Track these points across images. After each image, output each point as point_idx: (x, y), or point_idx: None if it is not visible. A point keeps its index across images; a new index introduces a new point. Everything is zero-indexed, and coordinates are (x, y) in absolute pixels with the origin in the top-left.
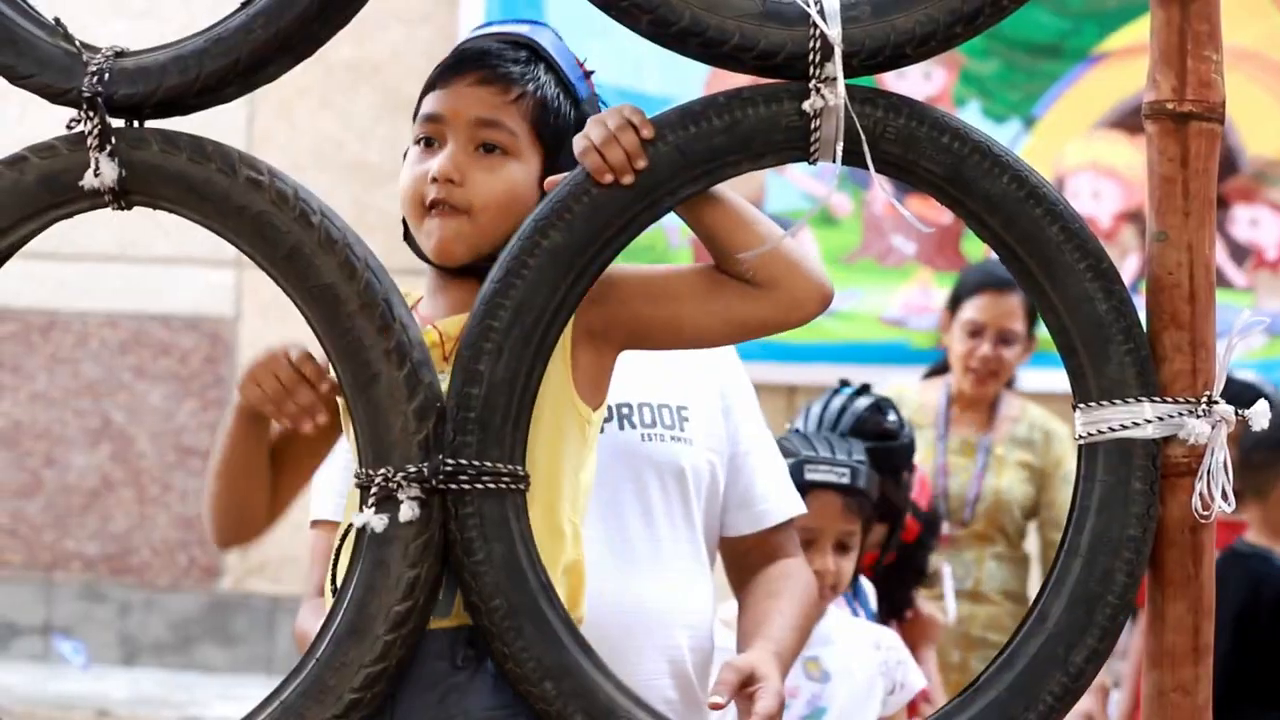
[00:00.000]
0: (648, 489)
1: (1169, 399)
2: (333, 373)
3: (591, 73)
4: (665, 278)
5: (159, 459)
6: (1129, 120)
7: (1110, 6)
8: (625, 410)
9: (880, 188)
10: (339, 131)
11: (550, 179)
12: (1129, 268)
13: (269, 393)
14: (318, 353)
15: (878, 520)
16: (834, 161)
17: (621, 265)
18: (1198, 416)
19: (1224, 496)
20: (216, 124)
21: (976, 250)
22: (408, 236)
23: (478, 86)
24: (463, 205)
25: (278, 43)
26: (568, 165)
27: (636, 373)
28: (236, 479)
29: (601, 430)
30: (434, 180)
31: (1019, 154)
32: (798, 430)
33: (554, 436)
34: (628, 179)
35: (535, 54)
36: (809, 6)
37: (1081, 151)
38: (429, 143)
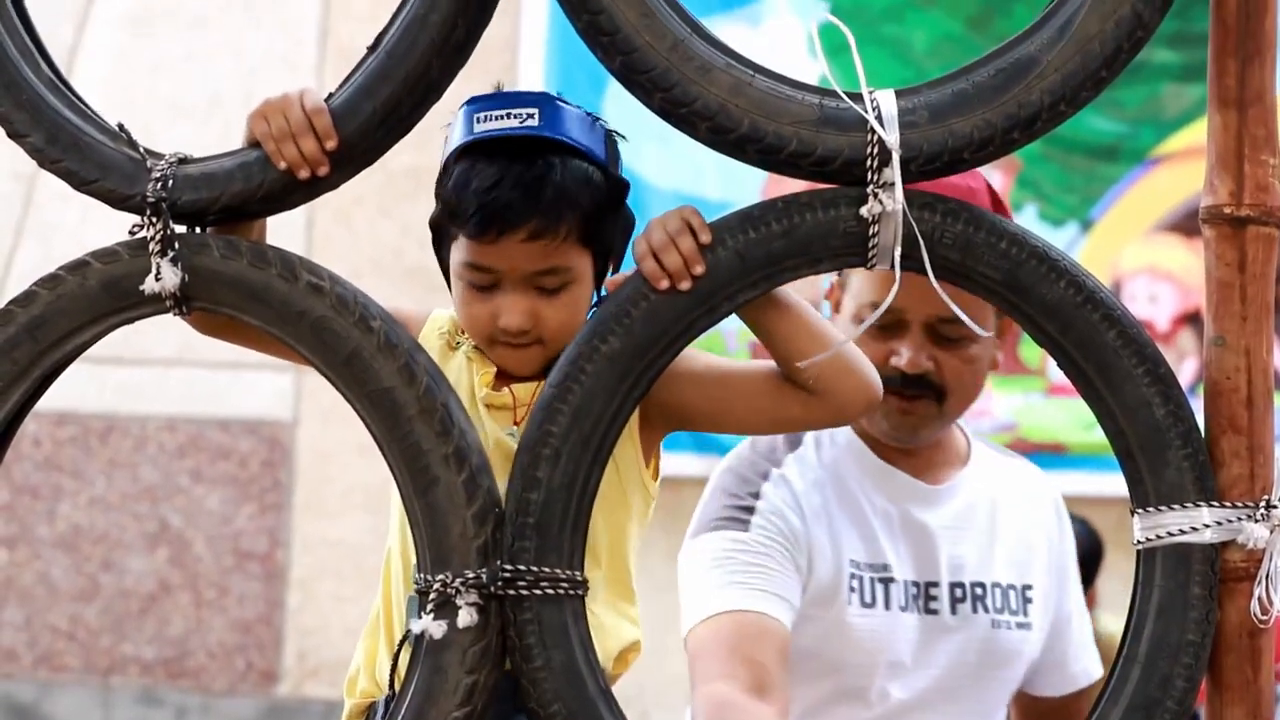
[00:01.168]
0: (989, 682)
1: (1227, 504)
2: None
3: (598, 119)
4: (725, 374)
5: (216, 563)
6: (1186, 223)
7: (1167, 110)
8: (979, 590)
9: (940, 294)
10: (398, 238)
11: (610, 280)
12: (1187, 371)
13: (274, 130)
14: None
15: None
16: (891, 267)
17: (689, 351)
18: (1256, 521)
19: None
20: (276, 230)
21: (1034, 355)
22: (438, 249)
23: (527, 243)
24: (531, 341)
25: (341, 152)
26: (612, 236)
27: (992, 543)
28: None
29: (954, 611)
30: (503, 329)
31: (1076, 257)
32: None
33: (624, 515)
34: (685, 285)
35: (551, 147)
36: (867, 112)
37: (1139, 255)
38: (483, 287)
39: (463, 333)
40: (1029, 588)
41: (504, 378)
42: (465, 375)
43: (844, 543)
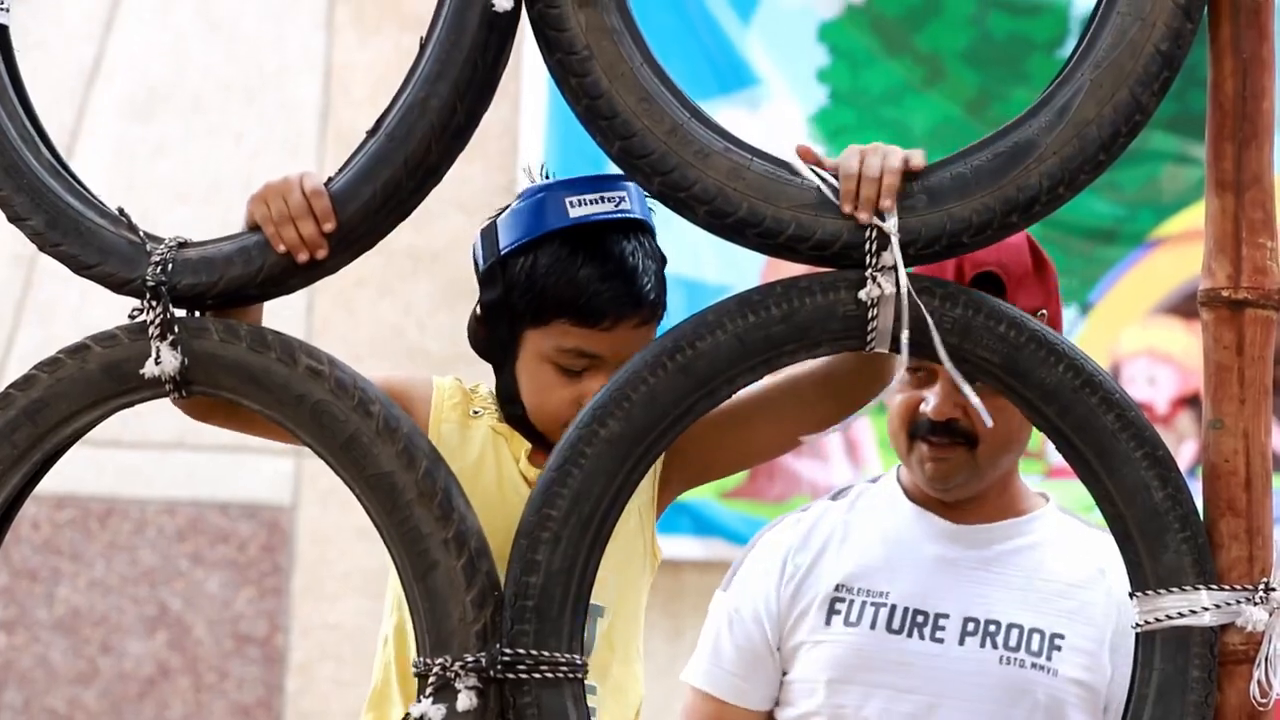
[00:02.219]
0: (985, 713)
1: (1226, 587)
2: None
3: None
4: (740, 407)
5: (216, 647)
6: (1185, 306)
7: (1166, 193)
8: (992, 628)
9: (952, 374)
10: (398, 319)
11: None
12: (1187, 453)
13: (274, 213)
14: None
15: None
16: (889, 350)
17: None
18: (1255, 604)
19: None
20: (277, 314)
21: (1034, 438)
22: (485, 355)
23: (639, 329)
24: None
25: (340, 235)
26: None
27: (1025, 589)
28: None
29: (961, 643)
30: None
31: (1076, 340)
32: None
33: (636, 576)
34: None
35: (634, 227)
36: None
37: (1138, 337)
38: (577, 369)
39: (480, 404)
40: (1059, 636)
41: (540, 452)
42: (492, 450)
43: (839, 568)
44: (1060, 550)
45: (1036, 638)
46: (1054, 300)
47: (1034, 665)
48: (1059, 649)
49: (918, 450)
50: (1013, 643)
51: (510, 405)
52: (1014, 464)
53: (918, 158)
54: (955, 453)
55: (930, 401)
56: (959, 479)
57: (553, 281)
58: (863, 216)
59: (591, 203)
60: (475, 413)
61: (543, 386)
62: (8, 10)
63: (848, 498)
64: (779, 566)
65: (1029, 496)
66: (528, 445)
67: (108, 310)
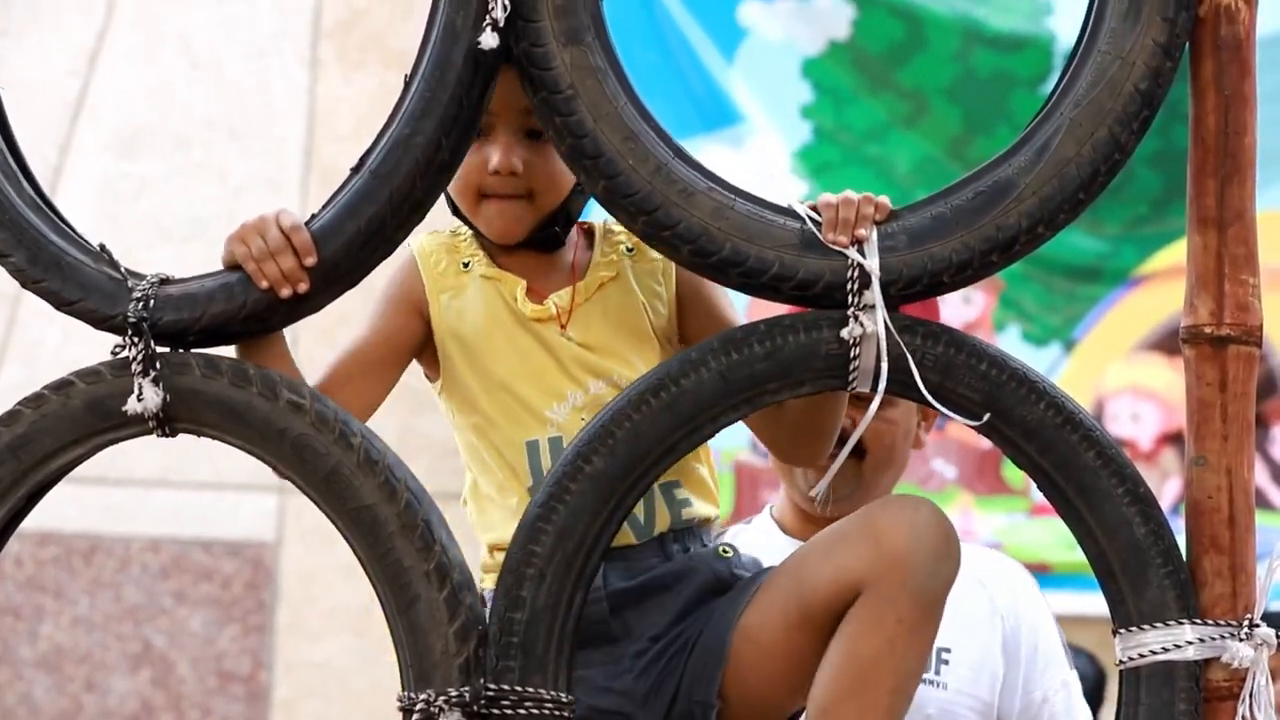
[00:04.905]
0: None
1: (1209, 621)
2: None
3: None
4: None
5: (199, 684)
6: (1168, 342)
7: (1149, 228)
8: None
9: (934, 404)
10: None
11: None
12: (1171, 490)
13: (253, 251)
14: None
15: None
16: (870, 389)
17: None
18: (1240, 640)
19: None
20: None
21: (1017, 476)
22: (455, 211)
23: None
24: (522, 192)
25: (324, 271)
26: None
27: None
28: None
29: None
30: (494, 172)
31: (1059, 377)
32: None
33: None
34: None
35: None
36: None
37: (1121, 374)
38: (478, 132)
39: (466, 252)
40: (945, 650)
41: (534, 291)
42: (488, 297)
43: None
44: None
45: None
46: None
47: (924, 681)
48: (946, 663)
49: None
50: None
51: (460, 216)
52: (894, 482)
53: (885, 200)
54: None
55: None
56: (844, 491)
57: None
58: (843, 239)
59: None
60: (465, 265)
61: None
62: None
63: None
64: None
65: None
66: (521, 281)
67: (91, 347)
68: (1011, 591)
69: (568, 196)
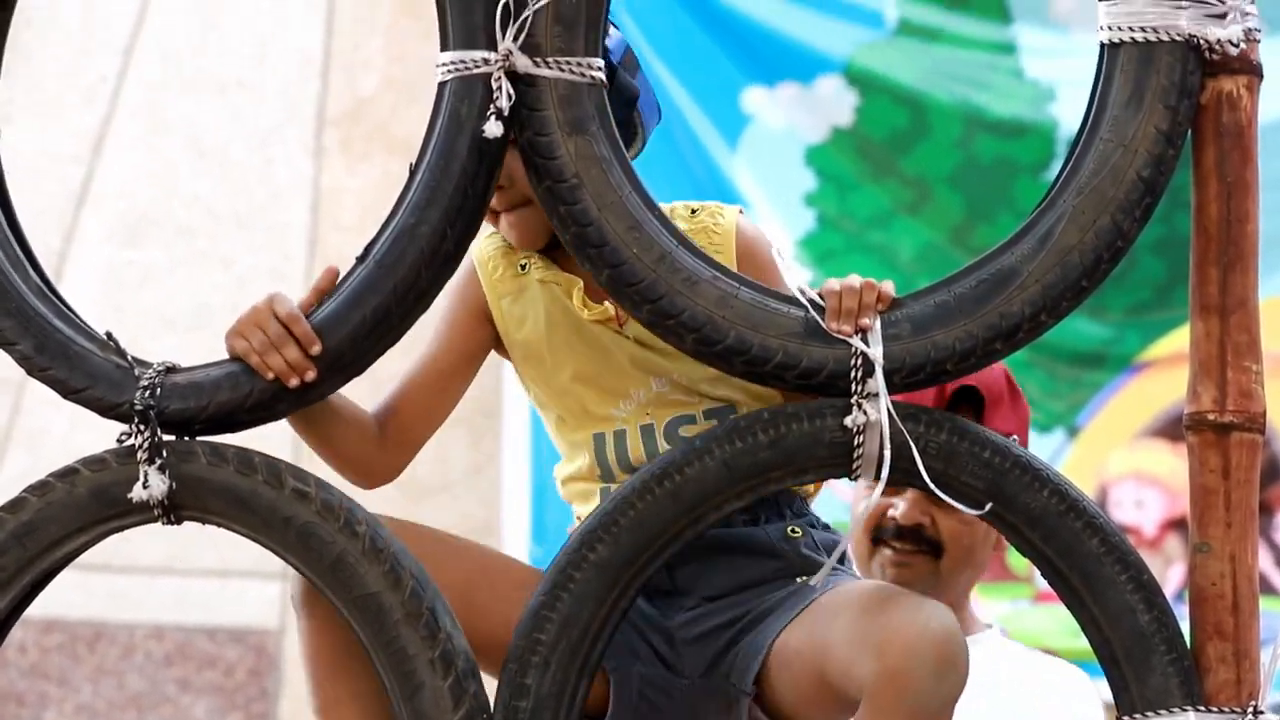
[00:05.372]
0: None
1: (1214, 709)
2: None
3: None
4: None
5: None
6: (1172, 429)
7: (1152, 314)
8: None
9: (937, 492)
10: None
11: None
12: (1175, 577)
13: (255, 345)
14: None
15: None
16: (875, 478)
17: None
18: None
19: None
20: (264, 437)
21: (1021, 562)
22: None
23: None
24: (520, 200)
25: (330, 360)
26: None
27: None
28: (305, 432)
29: None
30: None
31: (1063, 464)
32: None
33: None
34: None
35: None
36: None
37: (1125, 461)
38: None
39: (523, 254)
40: None
41: (591, 290)
42: (547, 300)
43: None
44: (1000, 675)
45: None
46: (1025, 432)
47: None
48: None
49: (880, 555)
50: None
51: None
52: (970, 584)
53: (889, 286)
54: (921, 561)
55: (899, 507)
56: (920, 588)
57: None
58: (846, 328)
59: None
60: (522, 267)
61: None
62: None
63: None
64: None
65: (977, 623)
66: (578, 281)
67: (97, 435)
68: (1075, 704)
69: None
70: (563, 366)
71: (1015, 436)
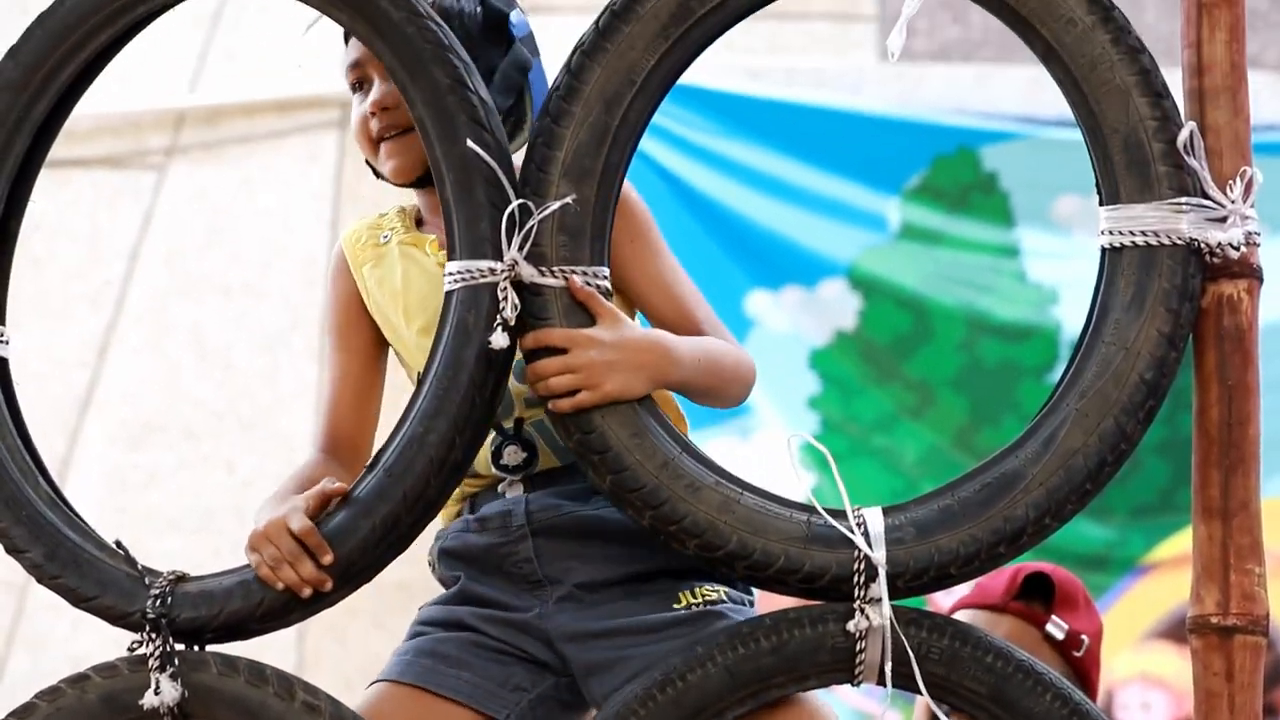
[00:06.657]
0: None
1: None
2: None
3: None
4: None
5: None
6: (1177, 631)
7: (1156, 517)
8: None
9: (930, 701)
10: (388, 649)
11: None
12: None
13: (268, 559)
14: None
15: None
16: (878, 684)
17: None
18: None
19: None
20: (268, 645)
21: None
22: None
23: None
24: (404, 124)
25: (340, 570)
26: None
27: None
28: None
29: None
30: (372, 114)
31: None
32: None
33: None
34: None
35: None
36: (853, 531)
37: (1131, 663)
38: (359, 86)
39: (387, 226)
40: None
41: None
42: (405, 259)
43: None
44: None
45: None
46: (1098, 641)
47: None
48: None
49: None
50: None
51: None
52: None
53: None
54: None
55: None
56: None
57: None
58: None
59: None
60: (384, 238)
61: (352, 119)
62: (7, 343)
63: None
64: None
65: None
66: (431, 237)
67: (100, 640)
68: None
69: None
70: (413, 320)
71: (1085, 637)
